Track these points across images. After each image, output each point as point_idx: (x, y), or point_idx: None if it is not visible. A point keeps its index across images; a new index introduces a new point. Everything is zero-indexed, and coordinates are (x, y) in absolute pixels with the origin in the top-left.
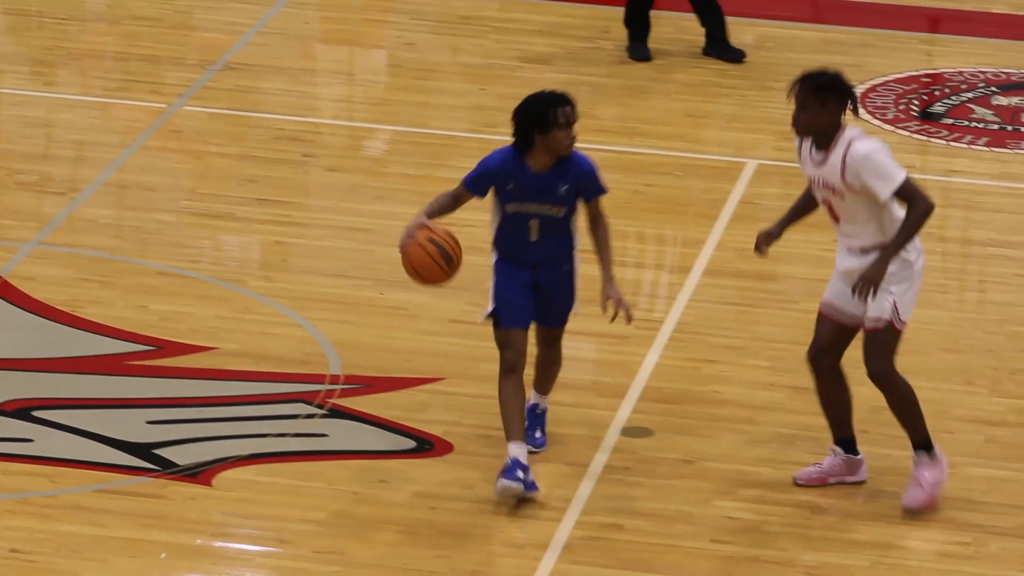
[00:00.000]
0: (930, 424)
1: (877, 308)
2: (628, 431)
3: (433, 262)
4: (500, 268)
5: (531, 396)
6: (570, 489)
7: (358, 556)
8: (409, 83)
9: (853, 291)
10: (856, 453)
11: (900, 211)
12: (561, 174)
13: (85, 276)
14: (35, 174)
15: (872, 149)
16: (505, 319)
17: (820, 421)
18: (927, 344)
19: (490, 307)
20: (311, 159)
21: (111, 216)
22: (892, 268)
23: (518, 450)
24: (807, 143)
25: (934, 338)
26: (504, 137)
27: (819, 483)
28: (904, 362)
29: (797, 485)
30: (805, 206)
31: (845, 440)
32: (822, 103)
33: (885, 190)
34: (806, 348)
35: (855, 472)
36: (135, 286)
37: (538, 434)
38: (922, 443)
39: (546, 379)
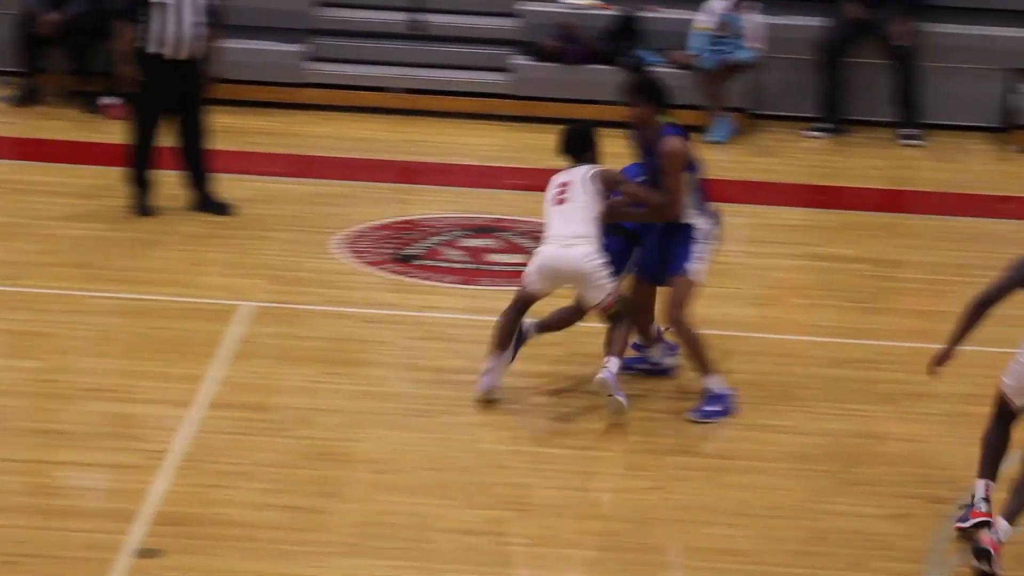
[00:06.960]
0: (413, 535)
1: None
2: (141, 552)
3: None
4: None
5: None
6: None
7: None
8: None
9: None
10: None
11: None
12: None
13: None
14: None
15: None
16: None
17: (316, 536)
18: (410, 464)
19: None
20: None
21: None
22: None
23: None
24: None
25: (416, 458)
26: (35, 289)
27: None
28: (388, 480)
29: None
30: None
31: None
32: None
33: None
34: (300, 471)
35: None
36: None
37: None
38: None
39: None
